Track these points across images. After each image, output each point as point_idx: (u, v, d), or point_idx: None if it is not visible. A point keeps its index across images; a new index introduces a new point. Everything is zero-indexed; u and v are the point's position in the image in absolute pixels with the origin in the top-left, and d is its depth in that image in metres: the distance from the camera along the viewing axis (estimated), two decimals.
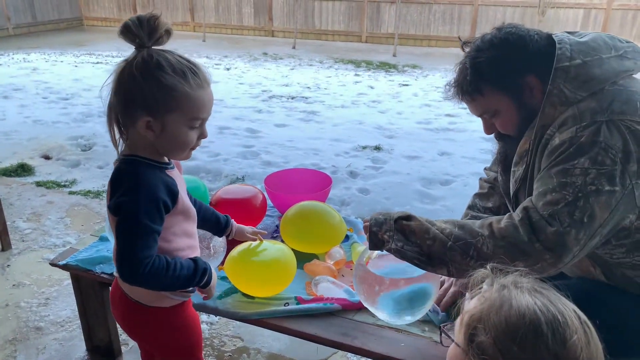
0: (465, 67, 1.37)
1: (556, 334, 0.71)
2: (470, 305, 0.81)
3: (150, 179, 1.18)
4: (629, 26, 9.90)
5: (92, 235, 2.09)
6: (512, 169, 1.48)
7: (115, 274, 1.36)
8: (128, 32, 1.14)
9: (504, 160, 1.54)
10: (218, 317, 2.24)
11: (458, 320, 0.83)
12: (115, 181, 1.20)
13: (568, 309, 0.75)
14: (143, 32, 1.14)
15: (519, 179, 1.43)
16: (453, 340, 0.83)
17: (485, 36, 1.38)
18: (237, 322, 2.25)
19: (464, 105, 1.47)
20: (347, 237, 2.00)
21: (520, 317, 0.73)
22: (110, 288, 1.48)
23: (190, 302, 1.43)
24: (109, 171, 4.17)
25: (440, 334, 0.91)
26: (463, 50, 1.42)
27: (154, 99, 1.14)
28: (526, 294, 0.77)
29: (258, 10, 12.34)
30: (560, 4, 10.05)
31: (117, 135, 1.23)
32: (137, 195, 1.15)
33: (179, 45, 10.44)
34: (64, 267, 1.87)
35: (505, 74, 1.33)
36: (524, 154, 1.40)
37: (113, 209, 1.17)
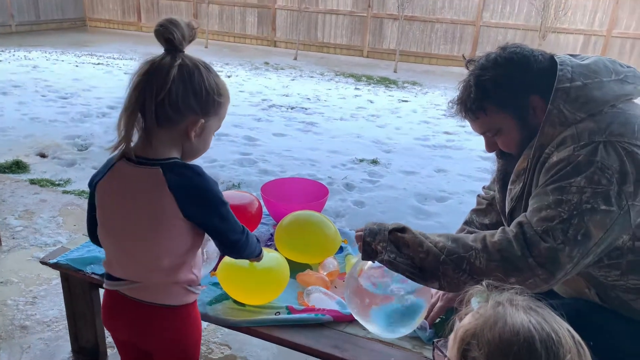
0: (470, 85, 1.38)
1: (550, 352, 0.71)
2: (465, 321, 0.80)
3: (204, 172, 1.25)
4: (627, 54, 10.02)
5: (84, 235, 2.06)
6: (508, 187, 1.48)
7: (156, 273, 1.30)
8: (177, 31, 1.15)
9: (503, 179, 1.54)
10: (207, 323, 2.22)
11: (451, 336, 0.82)
12: (183, 189, 1.18)
13: (562, 328, 0.75)
14: (187, 36, 1.18)
15: (515, 197, 1.43)
16: (446, 356, 0.83)
17: (489, 55, 1.38)
18: (226, 330, 2.23)
19: (463, 123, 1.48)
20: (341, 249, 1.99)
21: (514, 334, 0.73)
22: (102, 292, 1.44)
23: None
24: None
25: (433, 350, 0.90)
26: (467, 68, 1.43)
27: (213, 102, 1.21)
28: (521, 311, 0.76)
29: (262, 20, 12.41)
30: (561, 29, 10.16)
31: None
32: (210, 184, 1.22)
33: None
34: (54, 265, 1.85)
35: (509, 93, 1.34)
36: (521, 173, 1.41)
37: (194, 216, 1.20)
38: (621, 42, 10.07)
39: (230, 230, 1.27)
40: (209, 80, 1.19)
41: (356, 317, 1.52)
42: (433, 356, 0.90)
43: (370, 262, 1.51)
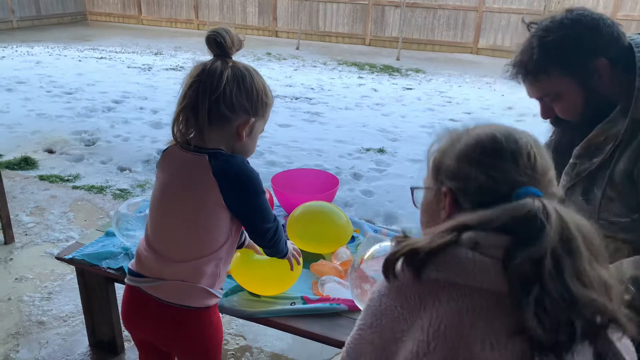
0: (532, 47, 1.29)
1: (509, 138, 0.83)
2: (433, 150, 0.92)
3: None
4: None
5: (97, 230, 2.08)
6: (570, 161, 1.39)
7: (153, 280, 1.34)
8: (228, 37, 1.24)
9: (556, 148, 1.44)
10: (222, 315, 2.24)
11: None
12: (225, 176, 1.25)
13: (519, 129, 0.87)
14: (236, 44, 1.27)
15: (584, 174, 1.34)
16: (424, 188, 0.92)
17: (555, 17, 1.30)
18: (240, 321, 2.25)
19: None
20: (353, 238, 2.00)
21: (477, 136, 0.85)
22: (125, 293, 1.42)
23: None
24: (112, 166, 4.17)
25: (412, 195, 0.96)
26: (529, 30, 1.34)
27: (262, 102, 1.29)
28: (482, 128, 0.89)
29: (262, 10, 12.35)
30: None
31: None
32: (252, 172, 1.28)
33: (183, 43, 10.44)
34: (70, 261, 1.87)
35: (574, 55, 1.26)
36: (593, 148, 1.31)
37: (231, 201, 1.26)
38: (626, 25, 9.97)
39: (262, 219, 1.33)
40: (258, 83, 1.28)
41: (359, 306, 1.53)
42: (414, 202, 0.96)
43: (371, 250, 1.52)
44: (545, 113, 1.39)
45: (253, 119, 1.29)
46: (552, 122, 1.45)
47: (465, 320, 0.74)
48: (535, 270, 0.71)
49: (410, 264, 0.79)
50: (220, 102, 1.23)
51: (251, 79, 1.26)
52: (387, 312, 0.82)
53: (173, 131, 1.29)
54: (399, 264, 0.80)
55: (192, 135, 1.28)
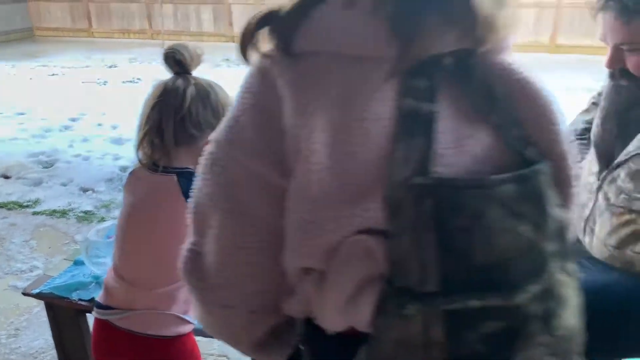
0: None
1: None
2: None
3: None
4: (577, 23, 10.27)
5: (65, 259, 1.98)
6: None
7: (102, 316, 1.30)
8: (187, 53, 1.23)
9: (615, 111, 1.28)
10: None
11: None
12: None
13: None
14: (195, 60, 1.27)
15: None
16: None
17: None
18: None
19: None
20: None
21: None
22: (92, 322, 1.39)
23: None
24: (73, 188, 4.02)
25: None
26: None
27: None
28: None
29: (217, 16, 12.20)
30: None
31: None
32: None
33: (138, 54, 10.20)
34: (38, 296, 1.77)
35: None
36: None
37: None
38: (571, 12, 10.32)
39: None
40: (223, 98, 1.26)
41: None
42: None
43: None
44: (614, 62, 1.20)
45: None
46: (614, 75, 1.26)
47: (356, 90, 0.59)
48: None
49: (276, 32, 0.63)
50: (187, 122, 1.21)
51: (215, 95, 1.25)
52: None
53: (137, 155, 1.26)
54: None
55: (158, 156, 1.24)
